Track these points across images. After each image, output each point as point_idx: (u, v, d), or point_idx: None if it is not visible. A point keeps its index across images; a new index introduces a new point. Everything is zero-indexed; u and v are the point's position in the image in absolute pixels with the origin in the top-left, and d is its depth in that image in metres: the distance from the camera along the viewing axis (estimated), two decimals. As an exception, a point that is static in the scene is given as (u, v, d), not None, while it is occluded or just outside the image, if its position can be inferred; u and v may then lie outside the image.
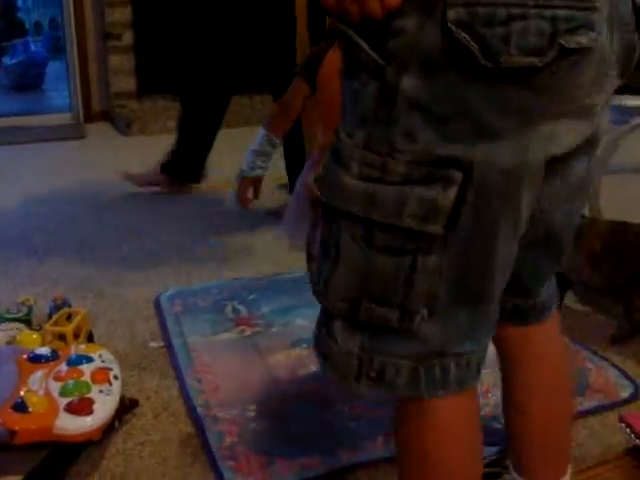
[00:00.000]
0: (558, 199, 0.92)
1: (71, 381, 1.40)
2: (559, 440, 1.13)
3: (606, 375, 1.73)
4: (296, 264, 2.28)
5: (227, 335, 1.94)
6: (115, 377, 1.46)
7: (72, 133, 4.47)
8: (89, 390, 1.39)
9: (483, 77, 0.73)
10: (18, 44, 7.02)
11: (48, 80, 6.83)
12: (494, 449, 1.24)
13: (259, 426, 1.53)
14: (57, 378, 1.41)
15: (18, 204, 3.11)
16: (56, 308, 1.84)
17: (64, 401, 1.35)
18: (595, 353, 1.82)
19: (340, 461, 1.43)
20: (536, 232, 0.92)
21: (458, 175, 0.75)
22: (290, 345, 1.87)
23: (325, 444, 1.47)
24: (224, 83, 3.00)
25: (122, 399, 1.47)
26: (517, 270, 0.91)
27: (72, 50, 4.63)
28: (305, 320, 1.99)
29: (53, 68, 6.78)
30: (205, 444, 1.48)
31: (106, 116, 4.71)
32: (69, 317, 1.76)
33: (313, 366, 1.77)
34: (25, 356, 1.49)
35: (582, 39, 0.74)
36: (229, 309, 2.08)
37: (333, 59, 1.54)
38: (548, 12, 0.71)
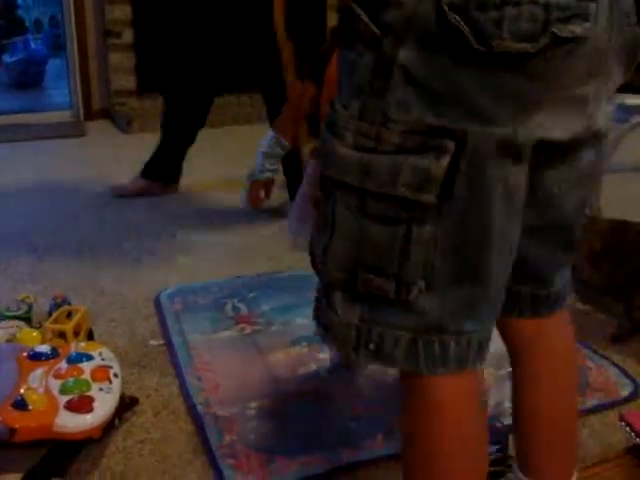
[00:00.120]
0: (567, 185, 0.92)
1: (71, 379, 1.40)
2: (566, 438, 1.13)
3: (606, 374, 1.73)
4: (298, 264, 2.29)
5: (227, 333, 1.94)
6: (115, 375, 1.46)
7: (72, 131, 4.47)
8: (89, 388, 1.39)
9: (476, 61, 0.74)
10: (18, 42, 7.01)
11: (48, 78, 6.82)
12: (494, 448, 1.24)
13: (259, 424, 1.53)
14: (57, 376, 1.41)
15: (18, 202, 3.11)
16: (56, 306, 1.84)
17: (64, 399, 1.35)
18: (595, 352, 1.82)
19: (340, 459, 1.43)
20: (548, 219, 0.94)
21: (451, 144, 0.76)
22: (290, 343, 1.87)
23: (325, 442, 1.47)
24: (206, 83, 3.00)
25: (122, 397, 1.47)
26: (531, 257, 0.94)
27: (72, 48, 4.62)
28: (305, 319, 1.99)
29: (53, 66, 6.77)
30: (205, 442, 1.48)
31: (106, 114, 4.70)
32: (69, 315, 1.76)
33: (313, 364, 1.77)
34: (25, 354, 1.49)
35: (576, 28, 0.75)
36: (229, 307, 2.08)
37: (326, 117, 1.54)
38: None
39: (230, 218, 2.85)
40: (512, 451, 1.23)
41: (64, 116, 4.80)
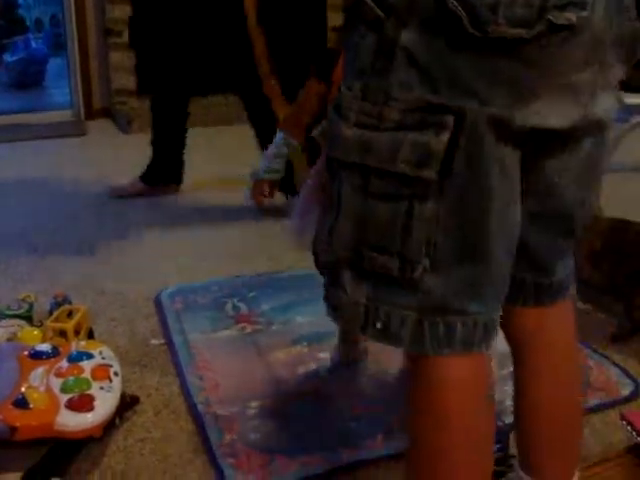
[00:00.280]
0: (568, 174, 0.93)
1: (72, 378, 1.40)
2: (567, 435, 1.13)
3: (607, 373, 1.73)
4: (298, 264, 2.29)
5: (227, 332, 1.94)
6: (115, 374, 1.46)
7: (73, 130, 4.47)
8: (89, 387, 1.39)
9: (472, 46, 0.76)
10: (19, 41, 7.01)
11: (49, 77, 6.82)
12: (495, 447, 1.24)
13: (259, 423, 1.53)
14: (58, 374, 1.41)
15: (18, 201, 3.11)
16: (57, 305, 1.84)
17: (65, 397, 1.35)
18: (596, 351, 1.82)
19: (340, 459, 1.43)
20: (548, 207, 0.95)
21: (450, 120, 0.78)
22: (290, 343, 1.87)
23: (325, 442, 1.47)
24: (183, 83, 3.01)
25: (123, 396, 1.48)
26: (532, 245, 0.95)
27: (73, 47, 4.62)
28: (305, 318, 2.00)
29: (54, 65, 6.77)
30: (206, 441, 1.48)
31: (107, 113, 4.70)
32: (70, 314, 1.77)
33: (313, 364, 1.77)
34: (26, 352, 1.49)
35: (572, 16, 0.75)
36: (229, 306, 2.08)
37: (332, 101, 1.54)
38: None
39: (230, 218, 2.85)
40: (513, 450, 1.23)
41: (65, 115, 4.80)
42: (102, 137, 4.35)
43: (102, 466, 1.42)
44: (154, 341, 1.89)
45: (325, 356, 1.79)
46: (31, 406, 1.32)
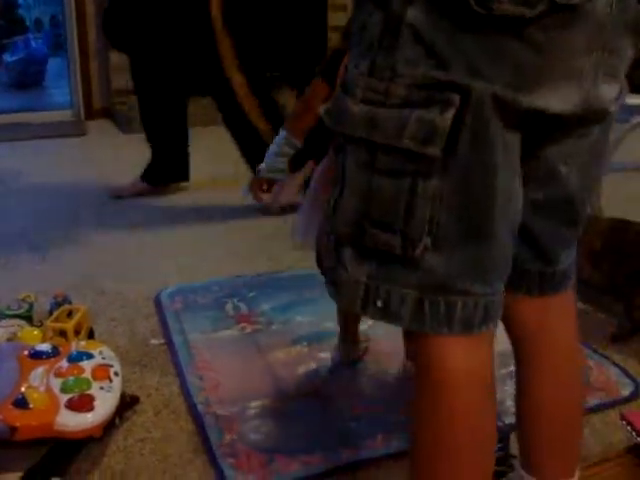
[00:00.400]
0: (573, 160, 0.94)
1: (72, 377, 1.40)
2: (568, 435, 1.13)
3: (607, 373, 1.73)
4: (298, 264, 2.29)
5: (227, 332, 1.94)
6: (116, 374, 1.46)
7: (73, 130, 4.47)
8: (90, 387, 1.39)
9: (477, 24, 0.77)
10: (19, 41, 7.01)
11: (49, 77, 6.82)
12: (496, 447, 1.24)
13: (259, 423, 1.53)
14: (58, 374, 1.41)
15: (19, 201, 3.11)
16: (57, 305, 1.84)
17: (65, 397, 1.35)
18: (596, 351, 1.83)
19: (340, 459, 1.43)
20: (552, 194, 0.96)
21: (456, 98, 0.78)
22: (290, 342, 1.87)
23: (325, 442, 1.47)
24: (168, 83, 3.00)
25: (123, 396, 1.47)
26: (537, 232, 0.97)
27: (73, 47, 4.62)
28: (305, 317, 2.00)
29: (54, 65, 6.77)
30: (206, 441, 1.48)
31: (107, 113, 4.70)
32: (70, 314, 1.76)
33: (313, 364, 1.77)
34: (26, 352, 1.49)
35: None
36: (229, 306, 2.08)
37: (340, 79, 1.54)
38: None
39: (230, 218, 2.85)
40: (513, 450, 1.23)
41: (65, 115, 4.80)
42: (102, 137, 4.35)
43: (102, 466, 1.42)
44: (154, 341, 1.89)
45: (325, 356, 1.79)
46: (31, 406, 1.31)
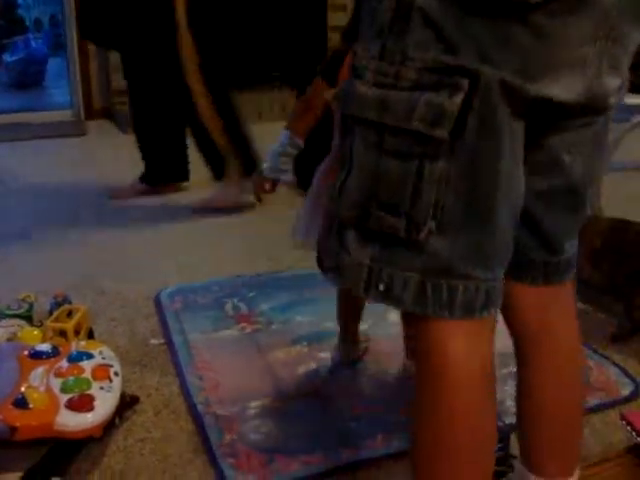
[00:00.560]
0: (577, 149, 0.95)
1: (72, 377, 1.40)
2: (569, 434, 1.13)
3: (607, 373, 1.73)
4: (298, 264, 2.29)
5: (227, 332, 1.94)
6: (116, 374, 1.46)
7: (73, 130, 4.47)
8: (89, 387, 1.39)
9: (485, 9, 0.78)
10: (19, 41, 7.01)
11: (49, 77, 6.82)
12: (496, 447, 1.24)
13: (259, 423, 1.53)
14: (58, 374, 1.41)
15: (19, 201, 3.11)
16: (57, 305, 1.84)
17: (65, 397, 1.35)
18: (596, 351, 1.83)
19: (340, 459, 1.43)
20: (558, 183, 0.96)
21: (465, 82, 0.80)
22: (290, 342, 1.87)
23: (325, 442, 1.47)
24: (155, 82, 2.99)
25: (123, 396, 1.47)
26: (542, 222, 0.98)
27: (73, 47, 4.62)
28: (305, 317, 2.00)
29: (54, 65, 6.77)
30: (205, 441, 1.48)
31: (107, 113, 4.70)
32: (70, 314, 1.76)
33: (313, 364, 1.77)
34: (26, 352, 1.49)
35: None
36: (229, 306, 2.08)
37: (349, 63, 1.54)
38: None
39: (230, 217, 2.85)
40: (513, 450, 1.23)
41: (64, 115, 4.80)
42: (102, 137, 4.35)
43: (102, 466, 1.42)
44: (154, 341, 1.89)
45: (325, 356, 1.79)
46: (31, 406, 1.31)
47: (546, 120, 0.89)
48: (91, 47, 4.61)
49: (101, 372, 1.44)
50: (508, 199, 0.87)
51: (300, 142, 1.68)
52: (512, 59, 0.80)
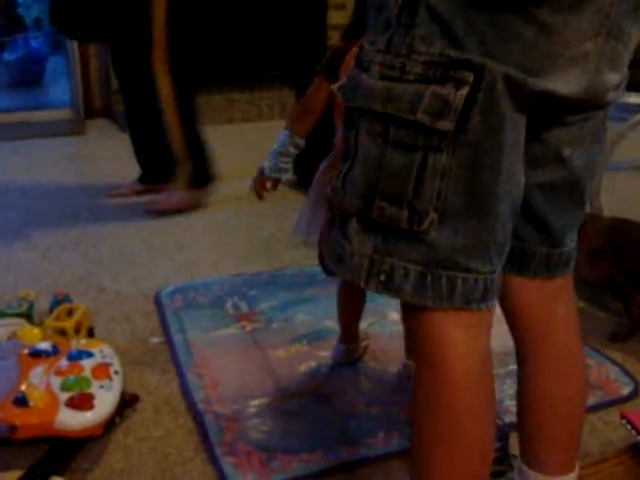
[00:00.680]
0: (577, 143, 0.96)
1: (72, 376, 1.40)
2: (569, 428, 1.14)
3: (606, 372, 1.73)
4: (299, 262, 2.29)
5: (228, 331, 1.94)
6: (116, 372, 1.46)
7: (72, 129, 4.46)
8: (90, 385, 1.39)
9: (489, 4, 0.80)
10: (18, 40, 7.00)
11: (48, 76, 6.80)
12: (495, 446, 1.24)
13: (259, 422, 1.54)
14: (58, 373, 1.41)
15: (18, 199, 3.11)
16: (57, 303, 1.84)
17: (65, 396, 1.35)
18: (595, 350, 1.83)
19: (340, 457, 1.43)
20: (559, 177, 0.98)
21: (470, 76, 0.81)
22: (290, 341, 1.87)
23: (325, 440, 1.47)
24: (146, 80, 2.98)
25: (123, 394, 1.48)
26: (544, 216, 0.99)
27: (72, 46, 4.60)
28: (305, 316, 2.00)
29: (53, 64, 6.75)
30: (206, 440, 1.48)
31: (107, 112, 4.70)
32: (70, 312, 1.77)
33: (314, 362, 1.77)
34: (26, 351, 1.49)
35: None
36: (229, 305, 2.08)
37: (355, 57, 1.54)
38: None
39: (231, 216, 2.85)
40: (513, 450, 1.23)
41: (64, 114, 4.78)
42: (102, 136, 4.35)
43: (102, 464, 1.42)
44: (154, 339, 1.89)
45: (325, 354, 1.80)
46: (31, 404, 1.32)
47: (547, 114, 0.90)
48: (91, 46, 4.61)
49: (101, 371, 1.44)
50: (508, 193, 0.88)
51: (301, 141, 1.68)
52: (516, 54, 0.81)
